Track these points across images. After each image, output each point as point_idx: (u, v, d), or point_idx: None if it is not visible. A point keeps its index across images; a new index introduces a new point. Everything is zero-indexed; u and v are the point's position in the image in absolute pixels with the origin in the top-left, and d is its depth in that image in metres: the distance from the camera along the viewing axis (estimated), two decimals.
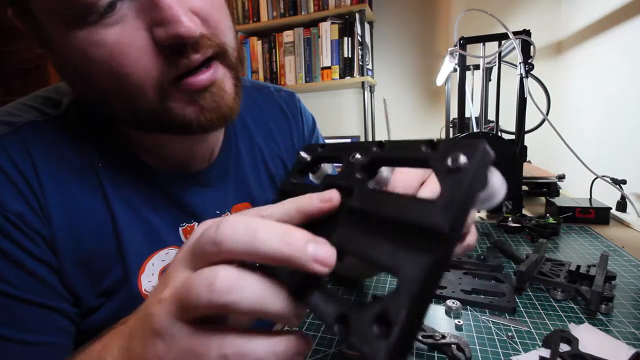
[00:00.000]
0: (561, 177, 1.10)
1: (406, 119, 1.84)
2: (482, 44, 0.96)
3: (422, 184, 0.26)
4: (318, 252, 0.17)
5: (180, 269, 0.20)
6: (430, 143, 0.19)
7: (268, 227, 0.18)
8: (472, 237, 0.29)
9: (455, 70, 1.08)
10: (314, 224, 0.21)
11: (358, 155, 0.23)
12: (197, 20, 0.30)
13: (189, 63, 0.31)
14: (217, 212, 0.47)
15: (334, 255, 0.18)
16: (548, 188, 1.10)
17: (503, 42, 0.94)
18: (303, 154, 0.28)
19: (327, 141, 0.68)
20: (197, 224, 0.45)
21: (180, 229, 0.43)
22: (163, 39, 0.29)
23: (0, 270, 0.31)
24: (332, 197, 0.21)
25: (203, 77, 0.32)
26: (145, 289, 0.39)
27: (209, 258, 0.19)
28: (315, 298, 0.18)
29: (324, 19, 1.67)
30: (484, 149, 0.16)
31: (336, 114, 1.96)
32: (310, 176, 0.29)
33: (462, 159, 0.16)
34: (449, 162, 0.16)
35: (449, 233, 0.15)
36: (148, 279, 0.39)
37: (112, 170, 0.38)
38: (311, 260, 0.17)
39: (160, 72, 0.31)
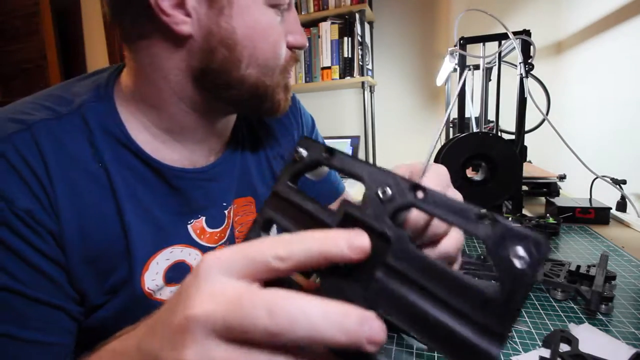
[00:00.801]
0: (562, 177, 1.10)
1: (406, 119, 1.84)
2: (482, 44, 0.96)
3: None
4: (372, 334, 0.16)
5: (201, 339, 0.18)
6: (482, 214, 0.17)
7: (324, 311, 0.16)
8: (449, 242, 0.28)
9: (455, 70, 1.08)
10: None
11: (389, 191, 0.20)
12: None
13: (294, 65, 0.45)
14: (224, 204, 0.48)
15: (385, 332, 0.16)
16: (548, 188, 1.10)
17: (503, 42, 0.94)
18: (302, 150, 0.24)
19: (326, 141, 0.68)
20: (204, 217, 0.45)
21: (189, 225, 0.44)
22: (294, 44, 0.43)
23: (8, 267, 0.31)
24: (363, 247, 0.18)
25: (291, 75, 0.46)
26: (148, 287, 0.39)
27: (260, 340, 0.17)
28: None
29: (324, 19, 1.67)
30: (546, 252, 0.16)
31: (336, 114, 1.96)
32: (307, 173, 0.25)
33: (524, 256, 0.16)
34: (513, 256, 0.16)
35: (507, 335, 0.16)
36: (152, 278, 0.40)
37: (121, 168, 0.39)
38: (365, 341, 0.16)
39: (286, 61, 0.43)
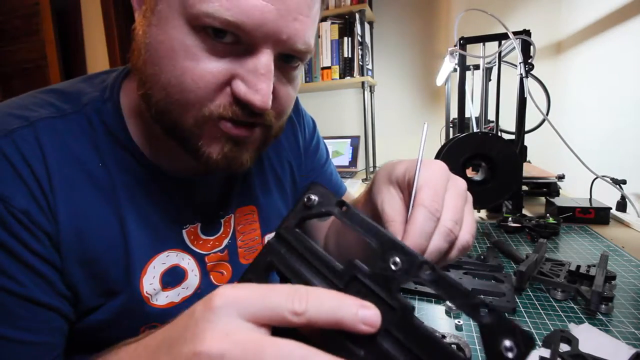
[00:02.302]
0: (561, 177, 1.10)
1: (406, 119, 1.84)
2: (482, 44, 0.96)
3: None
4: None
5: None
6: (484, 303, 0.19)
7: None
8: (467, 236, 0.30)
9: (455, 70, 1.08)
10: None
11: (399, 264, 0.21)
12: (271, 99, 0.33)
13: (240, 116, 0.34)
14: (221, 213, 0.48)
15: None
16: (548, 188, 1.10)
17: (503, 42, 0.94)
18: (314, 197, 0.24)
19: (326, 141, 0.68)
20: (200, 224, 0.45)
21: (183, 231, 0.43)
22: (238, 95, 0.33)
23: (5, 268, 0.31)
24: (374, 323, 0.19)
25: (242, 131, 0.35)
26: (146, 292, 0.39)
27: None
28: None
29: (324, 19, 1.67)
30: (531, 349, 0.18)
31: (336, 114, 1.95)
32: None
33: (511, 348, 0.18)
34: (503, 347, 0.18)
35: None
36: (149, 282, 0.40)
37: (122, 172, 0.38)
38: None
39: (216, 107, 0.33)
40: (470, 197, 0.34)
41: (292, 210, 0.25)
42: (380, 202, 0.33)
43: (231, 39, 0.32)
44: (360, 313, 0.19)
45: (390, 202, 0.33)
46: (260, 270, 0.24)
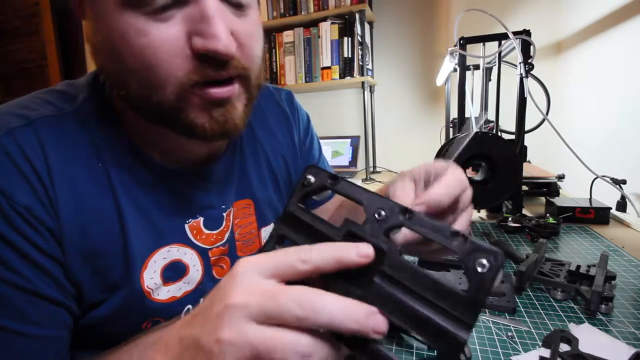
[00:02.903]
0: (561, 177, 1.10)
1: (406, 119, 1.84)
2: (482, 44, 0.96)
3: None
4: (376, 325, 0.21)
5: (238, 322, 0.22)
6: (456, 233, 0.22)
7: (340, 304, 0.21)
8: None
9: (455, 70, 1.08)
10: (345, 272, 0.23)
11: (383, 213, 0.25)
12: (234, 43, 0.33)
13: (214, 76, 0.33)
14: (223, 206, 0.48)
15: (386, 324, 0.21)
16: (548, 188, 1.10)
17: (503, 42, 0.94)
18: (310, 177, 0.29)
19: (326, 141, 0.69)
20: (202, 218, 0.45)
21: (186, 225, 0.44)
22: (199, 49, 0.31)
23: (7, 261, 0.31)
24: (368, 253, 0.23)
25: (222, 90, 0.34)
26: (147, 286, 0.39)
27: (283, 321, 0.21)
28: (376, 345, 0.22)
29: (324, 19, 1.67)
30: (502, 261, 0.21)
31: (336, 114, 1.95)
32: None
33: (485, 264, 0.21)
34: (477, 265, 0.21)
35: (473, 324, 0.21)
36: (150, 276, 0.40)
37: (121, 168, 0.39)
38: (371, 330, 0.21)
39: (185, 74, 0.33)
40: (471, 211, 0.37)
41: (294, 191, 0.29)
42: (392, 189, 0.36)
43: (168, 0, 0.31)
44: (355, 249, 0.23)
45: (402, 188, 0.35)
46: (273, 243, 0.28)
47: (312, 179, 0.29)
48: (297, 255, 0.23)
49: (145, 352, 0.29)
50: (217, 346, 0.21)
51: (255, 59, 0.37)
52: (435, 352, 0.22)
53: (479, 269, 0.21)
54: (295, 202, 0.29)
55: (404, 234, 0.30)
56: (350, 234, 0.25)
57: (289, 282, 0.23)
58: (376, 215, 0.25)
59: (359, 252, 0.23)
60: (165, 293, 0.41)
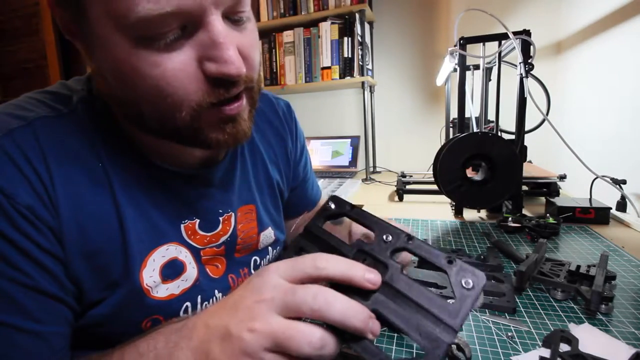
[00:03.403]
0: (562, 177, 1.10)
1: (406, 119, 1.84)
2: (482, 44, 0.96)
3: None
4: (373, 328, 0.26)
5: (266, 313, 0.26)
6: (449, 257, 0.28)
7: (349, 303, 0.26)
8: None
9: (455, 70, 1.08)
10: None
11: (390, 237, 0.31)
12: (241, 61, 0.34)
13: (227, 95, 0.35)
14: (220, 211, 0.48)
15: (379, 328, 0.26)
16: (548, 188, 1.10)
17: (503, 42, 0.94)
18: (331, 204, 0.35)
19: (326, 141, 0.70)
20: (198, 221, 0.45)
21: (182, 225, 0.44)
22: (213, 74, 0.33)
23: (9, 259, 0.31)
24: (376, 281, 0.27)
25: (233, 107, 0.36)
26: (146, 284, 0.40)
27: (297, 312, 0.26)
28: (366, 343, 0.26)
29: (324, 19, 1.67)
30: (484, 282, 0.26)
31: (336, 114, 1.95)
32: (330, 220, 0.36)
33: (470, 283, 0.26)
34: (463, 283, 0.26)
35: (458, 330, 0.25)
36: (149, 274, 0.40)
37: (119, 167, 0.39)
38: (369, 331, 0.26)
39: (200, 97, 0.34)
40: None
41: (317, 213, 0.35)
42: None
43: (176, 26, 0.31)
44: (366, 275, 0.27)
45: None
46: (292, 253, 0.34)
47: (333, 205, 0.35)
48: (313, 262, 0.28)
49: (169, 337, 0.30)
50: (248, 334, 0.25)
51: (257, 67, 0.39)
52: (424, 350, 0.25)
53: (465, 286, 0.26)
54: (315, 222, 0.34)
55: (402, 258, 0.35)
56: (361, 251, 0.31)
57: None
58: (384, 238, 0.31)
59: (368, 278, 0.27)
60: (164, 291, 0.41)
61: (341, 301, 0.25)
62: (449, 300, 0.26)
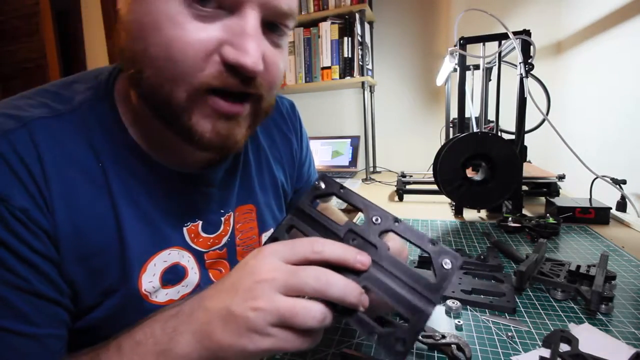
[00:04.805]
0: (561, 177, 1.10)
1: (406, 119, 1.84)
2: (482, 44, 0.96)
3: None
4: (364, 300, 0.29)
5: (269, 293, 0.28)
6: (432, 240, 0.31)
7: (346, 282, 0.29)
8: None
9: (455, 70, 1.08)
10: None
11: (378, 219, 0.32)
12: (262, 63, 0.33)
13: (232, 86, 0.34)
14: (222, 211, 0.48)
15: (368, 300, 0.29)
16: (548, 188, 1.10)
17: (503, 42, 0.94)
18: (321, 183, 0.36)
19: (326, 141, 0.69)
20: (201, 222, 0.45)
21: (184, 228, 0.44)
22: (229, 59, 0.32)
23: (4, 262, 0.31)
24: (367, 262, 0.30)
25: (232, 106, 0.35)
26: (145, 289, 0.39)
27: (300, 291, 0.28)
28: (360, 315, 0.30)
29: (324, 19, 1.67)
30: (460, 262, 0.30)
31: (336, 114, 1.95)
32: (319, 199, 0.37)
33: (448, 263, 0.30)
34: (443, 263, 0.30)
35: (438, 303, 0.29)
36: (149, 280, 0.40)
37: (121, 167, 0.38)
38: (361, 305, 0.29)
39: (205, 77, 0.33)
40: None
41: (306, 192, 0.36)
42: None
43: (216, 4, 0.31)
44: (358, 257, 0.30)
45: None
46: (283, 231, 0.34)
47: (322, 185, 0.36)
48: (310, 246, 0.29)
49: (166, 323, 0.31)
50: (253, 313, 0.27)
51: (274, 88, 0.38)
52: (407, 323, 0.28)
53: (445, 266, 0.30)
54: (306, 200, 0.35)
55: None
56: (351, 231, 0.32)
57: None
58: (373, 220, 0.32)
59: (360, 260, 0.30)
60: (163, 296, 0.41)
61: (339, 281, 0.28)
62: (429, 276, 0.30)
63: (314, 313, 0.27)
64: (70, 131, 0.36)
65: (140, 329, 0.32)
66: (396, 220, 0.32)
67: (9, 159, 0.32)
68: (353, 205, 0.34)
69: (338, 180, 0.68)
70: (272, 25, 0.35)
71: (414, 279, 0.30)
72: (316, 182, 0.36)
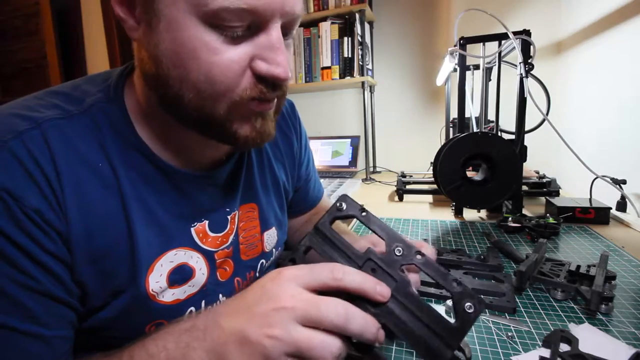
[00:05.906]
0: (541, 177, 1.13)
1: (406, 119, 1.84)
2: (482, 44, 0.96)
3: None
4: (380, 336, 0.29)
5: (287, 322, 0.27)
6: (456, 280, 0.30)
7: (365, 318, 0.28)
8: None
9: (455, 70, 1.08)
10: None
11: (401, 250, 0.32)
12: (289, 67, 0.36)
13: (267, 95, 0.37)
14: (228, 209, 0.48)
15: (384, 335, 0.29)
16: (548, 188, 1.10)
17: (503, 42, 0.94)
18: (342, 205, 0.35)
19: (326, 141, 0.70)
20: (207, 222, 0.45)
21: (192, 229, 0.44)
22: (262, 73, 0.35)
23: (16, 262, 0.31)
24: (386, 295, 0.30)
25: (267, 106, 0.38)
26: (152, 289, 0.39)
27: (315, 324, 0.28)
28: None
29: (324, 19, 1.67)
30: (483, 308, 0.29)
31: (336, 114, 1.95)
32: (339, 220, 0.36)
33: (471, 307, 0.29)
34: (466, 307, 0.29)
35: (457, 349, 0.28)
36: (156, 280, 0.40)
37: (129, 170, 0.39)
38: (377, 341, 0.29)
39: (242, 90, 0.36)
40: None
41: (327, 212, 0.35)
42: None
43: (244, 27, 0.34)
44: (378, 288, 0.30)
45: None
46: (301, 253, 0.34)
47: (344, 206, 0.35)
48: (330, 273, 0.29)
49: (180, 337, 0.31)
50: (269, 341, 0.26)
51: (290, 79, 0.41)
52: None
53: (468, 310, 0.29)
54: (325, 222, 0.34)
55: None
56: (371, 260, 0.32)
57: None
58: (395, 252, 0.32)
59: (379, 292, 0.29)
60: (170, 295, 0.41)
61: (359, 317, 0.28)
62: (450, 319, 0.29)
63: (331, 348, 0.27)
64: (81, 132, 0.37)
65: (152, 341, 0.32)
66: (419, 253, 0.31)
67: (23, 160, 0.32)
68: (374, 232, 0.33)
69: (338, 181, 0.69)
70: (284, 29, 0.37)
71: (434, 319, 0.29)
72: (337, 204, 0.35)
